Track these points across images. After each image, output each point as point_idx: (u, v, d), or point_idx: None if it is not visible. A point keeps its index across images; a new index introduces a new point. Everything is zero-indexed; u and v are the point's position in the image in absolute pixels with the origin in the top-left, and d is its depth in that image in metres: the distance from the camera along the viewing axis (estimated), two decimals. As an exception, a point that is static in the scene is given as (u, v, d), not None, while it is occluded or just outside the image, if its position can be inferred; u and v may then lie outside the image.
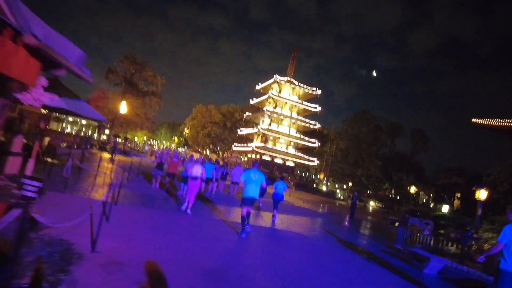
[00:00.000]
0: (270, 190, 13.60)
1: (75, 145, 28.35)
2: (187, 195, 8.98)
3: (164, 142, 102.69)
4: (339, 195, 48.26)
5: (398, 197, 54.00)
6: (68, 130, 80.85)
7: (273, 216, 11.04)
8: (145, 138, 73.78)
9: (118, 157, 29.26)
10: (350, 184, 38.93)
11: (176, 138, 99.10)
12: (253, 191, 7.40)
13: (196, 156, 39.72)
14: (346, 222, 15.45)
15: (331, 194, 44.72)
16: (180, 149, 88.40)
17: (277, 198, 11.22)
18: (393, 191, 57.50)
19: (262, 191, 12.22)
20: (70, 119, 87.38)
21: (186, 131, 77.34)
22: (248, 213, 7.45)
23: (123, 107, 39.62)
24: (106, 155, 29.14)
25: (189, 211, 8.64)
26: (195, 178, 8.78)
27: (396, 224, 21.98)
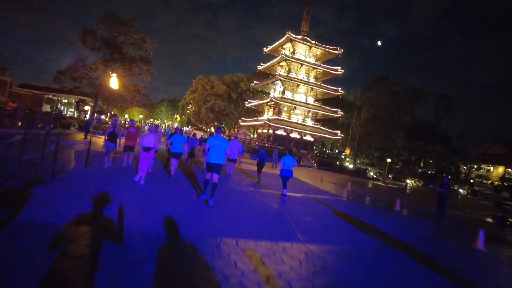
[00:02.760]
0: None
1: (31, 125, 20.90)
2: (139, 166, 8.12)
3: (165, 121, 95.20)
4: (371, 173, 40.62)
5: (430, 172, 46.08)
6: (65, 112, 74.26)
7: (283, 196, 9.67)
8: (140, 116, 66.07)
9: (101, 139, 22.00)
10: (388, 160, 31.25)
11: (178, 117, 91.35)
12: (217, 157, 7.09)
13: (199, 134, 31.91)
14: (480, 244, 7.71)
15: (362, 172, 37.03)
16: (185, 128, 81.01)
17: (286, 175, 9.74)
18: (421, 165, 49.58)
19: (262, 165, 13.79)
20: (65, 100, 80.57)
21: (189, 108, 69.37)
22: (214, 182, 7.11)
23: (114, 81, 32.14)
24: (82, 136, 22.32)
25: (142, 181, 8.06)
26: (148, 149, 8.12)
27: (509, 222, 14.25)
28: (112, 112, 72.03)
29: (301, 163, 36.54)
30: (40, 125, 20.72)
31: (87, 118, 29.65)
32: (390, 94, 48.97)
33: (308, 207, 9.30)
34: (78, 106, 34.84)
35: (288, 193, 11.29)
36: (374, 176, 40.11)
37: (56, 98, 79.28)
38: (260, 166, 13.76)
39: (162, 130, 34.55)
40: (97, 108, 44.84)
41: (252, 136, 53.76)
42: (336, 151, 66.65)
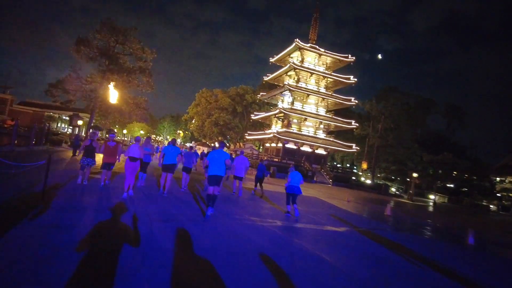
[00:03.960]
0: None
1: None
2: (126, 177, 7.78)
3: (168, 137, 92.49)
4: (392, 189, 36.94)
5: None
6: (65, 129, 72.14)
7: (295, 213, 8.78)
8: (141, 132, 63.28)
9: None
10: (415, 174, 27.85)
11: (181, 132, 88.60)
12: (218, 170, 7.11)
13: (201, 149, 28.96)
14: None
15: (384, 189, 33.42)
16: (188, 144, 78.21)
17: (294, 191, 8.92)
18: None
19: (258, 179, 13.11)
20: (66, 117, 78.41)
21: (192, 123, 66.47)
22: (215, 194, 6.99)
23: (112, 94, 29.61)
24: (70, 154, 19.53)
25: (130, 191, 7.82)
26: (133, 158, 7.85)
27: None
28: (115, 130, 69.49)
29: (315, 179, 33.22)
30: (16, 142, 17.79)
31: (76, 133, 26.68)
32: (403, 105, 45.99)
33: (371, 252, 6.06)
34: (71, 120, 31.96)
35: (328, 227, 8.17)
36: (397, 192, 36.47)
37: (56, 115, 77.19)
38: (260, 179, 13.12)
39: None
40: (93, 123, 42.16)
41: (259, 150, 50.64)
42: (347, 164, 63.13)
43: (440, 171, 30.32)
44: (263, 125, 51.22)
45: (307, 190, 20.40)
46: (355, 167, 59.49)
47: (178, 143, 74.17)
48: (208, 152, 12.50)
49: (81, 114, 42.03)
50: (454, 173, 32.21)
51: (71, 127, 71.17)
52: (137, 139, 8.38)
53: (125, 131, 59.09)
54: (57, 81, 34.05)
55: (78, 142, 21.04)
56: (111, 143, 8.79)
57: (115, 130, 63.26)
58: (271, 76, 45.88)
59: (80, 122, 32.04)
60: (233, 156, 20.99)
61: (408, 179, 41.90)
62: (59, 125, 76.10)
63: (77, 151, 19.68)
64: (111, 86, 29.90)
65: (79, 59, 33.81)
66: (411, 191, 33.11)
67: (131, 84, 37.11)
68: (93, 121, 40.07)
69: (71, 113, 67.37)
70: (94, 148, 8.75)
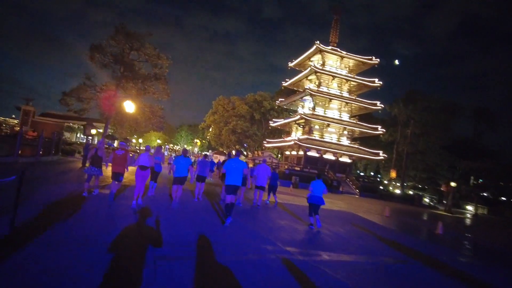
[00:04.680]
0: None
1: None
2: (136, 186, 7.70)
3: (185, 146, 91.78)
4: (426, 200, 34.03)
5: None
6: (83, 140, 72.31)
7: (317, 224, 8.41)
8: (158, 141, 62.33)
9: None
10: (453, 184, 25.17)
11: (198, 141, 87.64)
12: (235, 179, 7.17)
13: (218, 158, 27.44)
14: None
15: (417, 200, 30.60)
16: (204, 153, 76.90)
17: (315, 202, 8.44)
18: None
19: (273, 188, 12.42)
20: (83, 127, 78.58)
21: (209, 131, 65.05)
22: (232, 203, 7.09)
23: (129, 105, 28.44)
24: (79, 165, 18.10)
25: (140, 200, 7.75)
26: (143, 167, 7.75)
27: None
28: (133, 139, 69.02)
29: (341, 189, 30.86)
30: (20, 152, 16.52)
31: (87, 143, 25.29)
32: (428, 109, 43.05)
33: None
34: (85, 130, 31.00)
35: (386, 258, 6.12)
36: (431, 203, 33.46)
37: (75, 125, 77.77)
38: (274, 188, 12.61)
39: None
40: (110, 132, 41.37)
41: (279, 159, 48.59)
42: (371, 173, 60.06)
43: (480, 180, 27.37)
44: (282, 132, 49.29)
45: (336, 203, 18.26)
46: (379, 176, 56.42)
47: (196, 152, 72.98)
48: (224, 161, 11.06)
49: (96, 124, 41.32)
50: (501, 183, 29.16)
51: (88, 137, 71.10)
52: (147, 148, 8.28)
53: (141, 140, 58.24)
54: (71, 89, 33.34)
55: (89, 152, 19.71)
56: (119, 151, 8.17)
57: (132, 140, 62.69)
58: (290, 81, 44.00)
59: (93, 131, 31.01)
60: (250, 166, 19.29)
61: (439, 188, 38.84)
62: (78, 135, 76.68)
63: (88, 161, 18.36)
64: (128, 100, 28.86)
65: (94, 66, 33.04)
66: (448, 202, 30.26)
67: (146, 92, 36.04)
68: (109, 130, 39.23)
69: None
70: (101, 158, 8.42)
